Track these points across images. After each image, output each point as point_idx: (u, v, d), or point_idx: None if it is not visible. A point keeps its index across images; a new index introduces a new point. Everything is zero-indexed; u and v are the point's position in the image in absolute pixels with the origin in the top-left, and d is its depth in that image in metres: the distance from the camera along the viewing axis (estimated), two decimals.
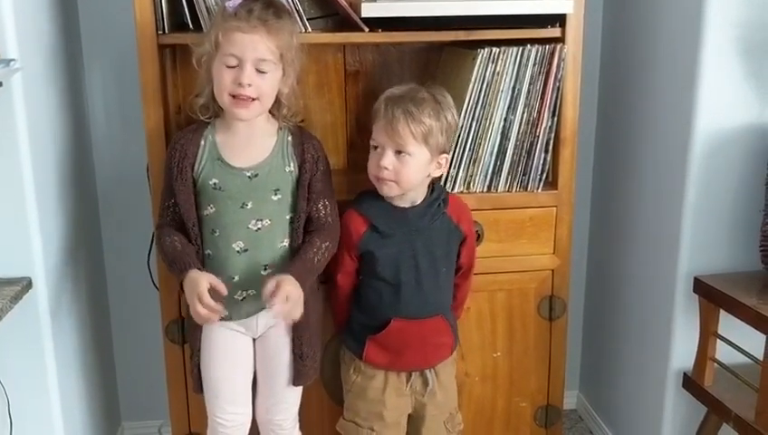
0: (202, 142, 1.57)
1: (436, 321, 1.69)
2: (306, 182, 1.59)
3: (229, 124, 1.57)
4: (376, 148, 1.62)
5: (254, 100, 1.50)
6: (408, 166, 1.58)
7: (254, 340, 1.67)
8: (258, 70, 1.48)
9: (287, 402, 1.71)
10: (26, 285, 1.59)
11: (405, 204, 1.65)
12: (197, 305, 1.46)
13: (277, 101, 1.57)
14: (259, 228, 1.56)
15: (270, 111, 1.59)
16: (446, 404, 1.77)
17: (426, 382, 1.72)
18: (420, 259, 1.64)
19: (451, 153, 1.72)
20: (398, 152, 1.58)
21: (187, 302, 1.50)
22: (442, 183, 1.77)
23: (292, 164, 1.59)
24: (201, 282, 1.46)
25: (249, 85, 1.47)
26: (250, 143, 1.57)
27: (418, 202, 1.66)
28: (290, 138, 1.61)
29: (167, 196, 1.59)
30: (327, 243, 1.60)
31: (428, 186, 1.68)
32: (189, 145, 1.56)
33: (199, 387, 1.68)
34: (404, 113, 1.56)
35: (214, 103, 1.56)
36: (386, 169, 1.59)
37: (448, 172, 1.78)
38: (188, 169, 1.55)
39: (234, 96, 1.49)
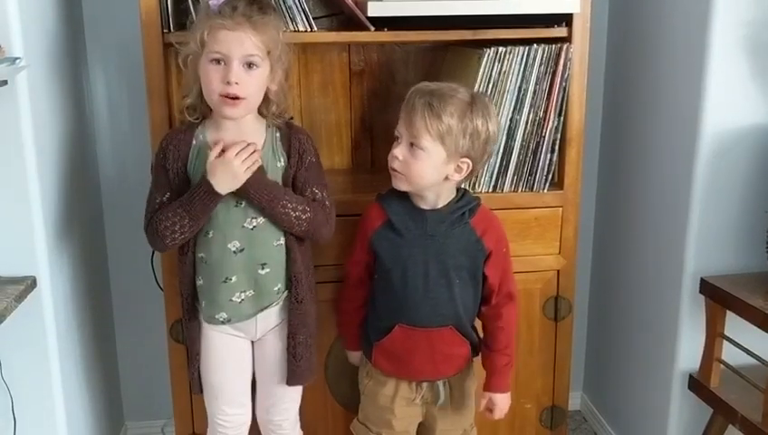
0: (194, 142, 1.55)
1: (446, 332, 1.62)
2: (292, 175, 1.57)
3: (218, 123, 1.54)
4: (397, 138, 1.57)
5: (242, 99, 1.47)
6: (420, 161, 1.52)
7: (252, 342, 1.66)
8: (246, 65, 1.46)
9: (286, 403, 1.70)
10: (30, 284, 1.59)
11: (425, 205, 1.60)
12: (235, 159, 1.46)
13: (265, 99, 1.55)
14: (254, 226, 1.54)
15: (258, 110, 1.56)
16: (460, 422, 1.72)
17: (437, 395, 1.67)
18: (430, 266, 1.59)
19: (484, 163, 1.64)
20: (413, 145, 1.53)
21: (227, 171, 1.46)
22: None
23: (282, 159, 1.56)
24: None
25: (237, 84, 1.45)
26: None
27: (440, 206, 1.60)
28: (278, 134, 1.58)
29: (159, 192, 1.56)
30: (308, 212, 1.54)
31: (457, 192, 1.62)
32: (182, 145, 1.54)
33: (199, 388, 1.68)
34: (424, 106, 1.50)
35: (202, 104, 1.54)
36: (396, 158, 1.54)
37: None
38: (183, 168, 1.54)
39: (222, 95, 1.46)
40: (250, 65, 1.47)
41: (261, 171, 1.51)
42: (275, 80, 1.53)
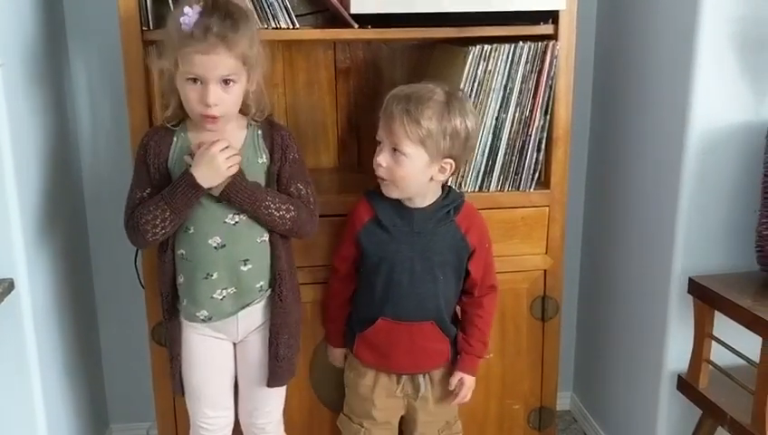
0: (175, 139, 1.54)
1: (427, 326, 1.65)
2: (276, 172, 1.56)
3: (199, 124, 1.54)
4: (380, 143, 1.59)
5: (220, 117, 1.48)
6: (403, 166, 1.54)
7: (234, 344, 1.64)
8: (223, 82, 1.45)
9: (269, 406, 1.69)
10: (8, 286, 1.56)
11: (412, 204, 1.62)
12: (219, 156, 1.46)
13: (245, 99, 1.54)
14: (236, 222, 1.53)
15: (239, 109, 1.55)
16: (441, 414, 1.74)
17: (417, 388, 1.69)
18: (416, 263, 1.61)
19: (467, 158, 1.67)
20: (396, 151, 1.54)
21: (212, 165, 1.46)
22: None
23: (264, 156, 1.56)
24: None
25: (216, 105, 1.45)
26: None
27: (426, 205, 1.62)
28: (259, 132, 1.57)
29: (139, 188, 1.55)
30: (292, 211, 1.55)
31: (443, 190, 1.65)
32: (163, 141, 1.54)
33: (180, 390, 1.66)
34: (402, 112, 1.52)
35: (181, 111, 1.53)
36: (380, 165, 1.56)
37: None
38: (164, 164, 1.53)
39: (201, 114, 1.47)
40: (227, 81, 1.46)
41: (240, 175, 1.50)
42: (253, 81, 1.52)
